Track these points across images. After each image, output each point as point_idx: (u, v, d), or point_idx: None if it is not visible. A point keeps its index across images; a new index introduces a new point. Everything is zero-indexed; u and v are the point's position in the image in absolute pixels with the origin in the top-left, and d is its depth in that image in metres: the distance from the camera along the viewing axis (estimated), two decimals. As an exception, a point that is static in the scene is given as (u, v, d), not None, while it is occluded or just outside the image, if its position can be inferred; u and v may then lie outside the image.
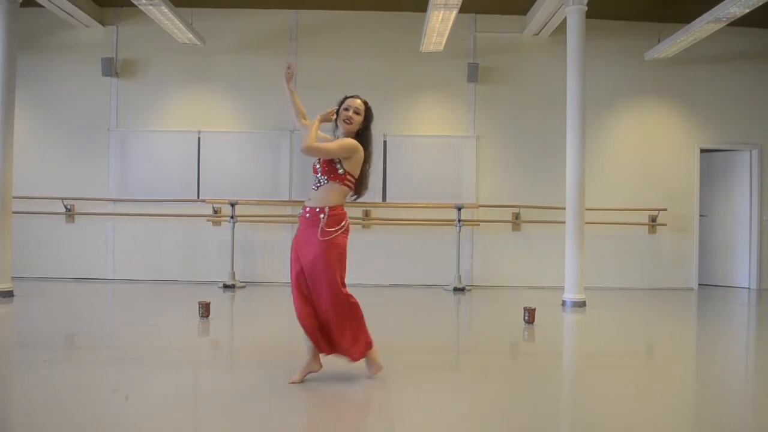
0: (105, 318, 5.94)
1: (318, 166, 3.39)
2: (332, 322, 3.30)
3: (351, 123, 3.39)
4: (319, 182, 3.37)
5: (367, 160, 3.42)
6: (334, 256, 3.27)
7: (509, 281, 8.21)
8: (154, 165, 8.13)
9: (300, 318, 3.34)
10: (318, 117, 3.38)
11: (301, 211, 3.41)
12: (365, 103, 3.46)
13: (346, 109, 3.41)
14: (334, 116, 3.45)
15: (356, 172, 3.37)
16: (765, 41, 8.42)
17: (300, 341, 3.47)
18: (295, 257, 3.39)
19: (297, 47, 8.30)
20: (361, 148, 3.37)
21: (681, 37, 7.30)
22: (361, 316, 3.38)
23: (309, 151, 3.24)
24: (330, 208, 3.31)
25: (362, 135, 3.43)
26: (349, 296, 3.33)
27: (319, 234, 3.26)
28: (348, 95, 3.51)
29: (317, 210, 3.31)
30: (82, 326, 5.23)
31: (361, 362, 3.45)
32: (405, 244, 8.20)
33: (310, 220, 3.33)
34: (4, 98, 6.38)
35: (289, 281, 3.45)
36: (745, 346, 5.29)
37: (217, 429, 2.74)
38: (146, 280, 8.10)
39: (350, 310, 3.33)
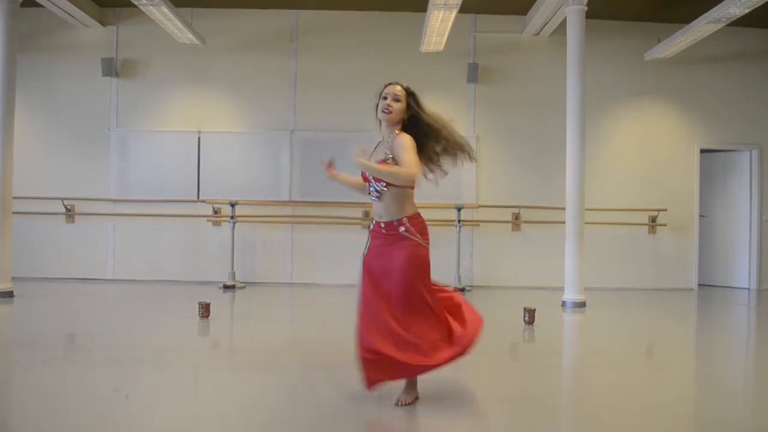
0: (105, 318, 5.93)
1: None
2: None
3: (390, 112, 3.01)
4: (379, 192, 3.00)
5: (432, 137, 3.08)
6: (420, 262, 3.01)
7: (509, 281, 8.21)
8: (154, 165, 8.13)
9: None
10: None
11: (372, 225, 3.10)
12: (405, 89, 3.07)
13: (384, 98, 3.04)
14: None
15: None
16: (765, 41, 8.42)
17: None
18: (376, 274, 3.00)
19: (297, 47, 8.30)
20: (409, 138, 2.99)
21: (681, 37, 7.29)
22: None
23: (409, 179, 2.91)
24: (409, 218, 3.00)
25: (410, 124, 3.06)
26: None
27: (414, 241, 2.98)
28: (387, 83, 3.11)
29: (395, 223, 2.99)
30: (82, 326, 5.23)
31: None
32: (405, 244, 8.17)
33: (387, 234, 3.01)
34: (4, 98, 6.38)
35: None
36: (745, 346, 5.30)
37: (217, 429, 2.75)
38: (146, 281, 8.09)
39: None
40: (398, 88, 3.07)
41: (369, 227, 3.16)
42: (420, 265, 2.99)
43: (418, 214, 3.05)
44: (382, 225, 3.03)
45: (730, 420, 3.00)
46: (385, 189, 2.98)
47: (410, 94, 3.08)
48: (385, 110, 3.02)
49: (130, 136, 8.21)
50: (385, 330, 2.89)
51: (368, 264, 3.04)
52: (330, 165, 3.19)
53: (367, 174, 3.02)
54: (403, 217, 3.00)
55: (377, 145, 3.14)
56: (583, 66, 6.54)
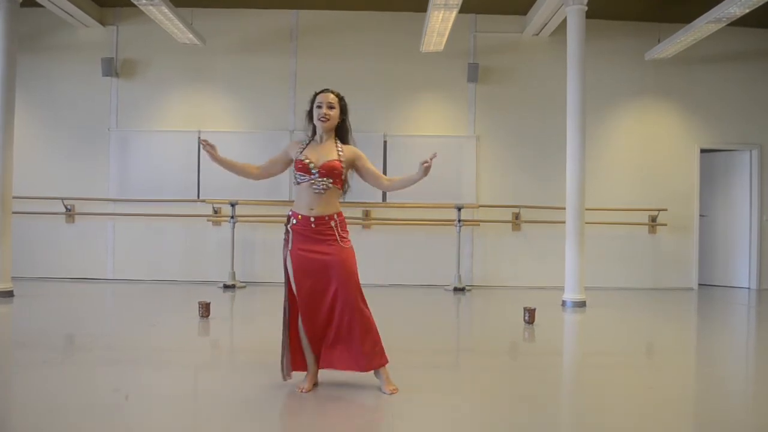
0: (105, 318, 5.94)
1: (315, 166, 3.14)
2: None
3: (328, 119, 3.19)
4: (325, 186, 3.15)
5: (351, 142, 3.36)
6: (354, 260, 3.23)
7: (509, 281, 8.21)
8: (154, 165, 8.13)
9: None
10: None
11: (294, 220, 3.19)
12: (338, 96, 3.26)
13: (319, 107, 3.20)
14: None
15: None
16: (765, 41, 8.42)
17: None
18: (306, 270, 3.16)
19: (297, 47, 8.30)
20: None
21: (681, 37, 7.29)
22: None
23: (391, 188, 3.39)
24: (338, 214, 3.20)
25: (341, 129, 3.29)
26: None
27: (339, 241, 3.16)
28: (318, 91, 3.29)
29: (326, 218, 3.16)
30: (81, 326, 5.23)
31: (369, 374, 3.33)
32: (405, 244, 8.19)
33: (316, 230, 3.15)
34: (4, 98, 6.38)
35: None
36: (745, 346, 5.29)
37: (217, 429, 2.75)
38: (146, 280, 8.09)
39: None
40: (332, 96, 3.24)
41: (288, 222, 3.23)
42: (355, 260, 3.23)
43: (342, 211, 3.27)
44: (312, 219, 3.15)
45: (730, 420, 3.00)
46: (331, 186, 3.16)
47: (342, 100, 3.28)
48: (322, 119, 3.19)
49: (130, 136, 8.21)
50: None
51: (298, 258, 3.15)
52: (211, 147, 3.34)
53: (312, 168, 3.14)
54: (333, 213, 3.19)
55: (308, 143, 3.26)
56: (583, 66, 6.54)
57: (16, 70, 6.60)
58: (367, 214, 8.12)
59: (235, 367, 4.11)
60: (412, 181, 3.25)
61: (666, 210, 8.27)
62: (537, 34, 8.22)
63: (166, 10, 6.67)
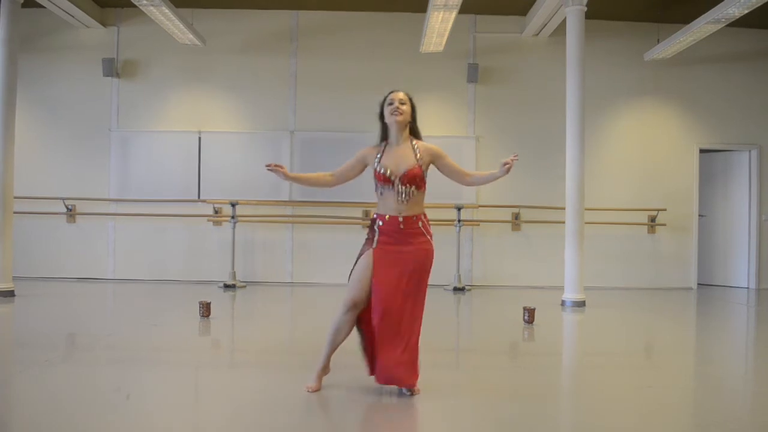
0: (105, 318, 5.95)
1: (395, 176, 3.16)
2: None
3: (402, 113, 3.22)
4: (409, 195, 3.18)
5: None
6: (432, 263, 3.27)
7: (509, 281, 8.22)
8: (154, 165, 8.14)
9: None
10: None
11: (381, 222, 3.18)
12: (407, 94, 3.32)
13: (391, 103, 3.25)
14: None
15: None
16: (764, 41, 8.43)
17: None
18: (390, 262, 3.15)
19: (297, 48, 8.31)
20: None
21: (680, 37, 7.30)
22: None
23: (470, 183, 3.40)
24: (423, 214, 3.26)
25: (413, 130, 3.33)
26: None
27: (426, 237, 3.23)
28: (390, 91, 3.34)
29: (414, 218, 3.19)
30: (82, 326, 5.24)
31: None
32: (405, 244, 8.19)
33: (405, 231, 3.17)
34: (5, 98, 6.39)
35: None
36: (745, 346, 5.31)
37: (217, 429, 2.75)
38: (147, 280, 8.11)
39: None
40: (401, 94, 3.29)
41: (375, 221, 3.23)
42: (432, 263, 3.28)
43: (425, 212, 3.30)
44: (401, 219, 3.18)
45: (730, 420, 3.01)
46: (416, 193, 3.21)
47: (411, 99, 3.31)
48: (395, 113, 3.22)
49: (130, 136, 8.22)
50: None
51: (383, 252, 3.15)
52: (277, 166, 3.26)
53: (393, 178, 3.16)
54: (420, 213, 3.25)
55: (383, 148, 3.28)
56: (583, 66, 6.55)
57: (18, 71, 6.60)
58: (366, 214, 8.13)
59: (235, 367, 4.12)
60: (491, 179, 3.29)
61: (665, 210, 8.28)
62: (536, 35, 8.23)
63: (167, 11, 6.68)
